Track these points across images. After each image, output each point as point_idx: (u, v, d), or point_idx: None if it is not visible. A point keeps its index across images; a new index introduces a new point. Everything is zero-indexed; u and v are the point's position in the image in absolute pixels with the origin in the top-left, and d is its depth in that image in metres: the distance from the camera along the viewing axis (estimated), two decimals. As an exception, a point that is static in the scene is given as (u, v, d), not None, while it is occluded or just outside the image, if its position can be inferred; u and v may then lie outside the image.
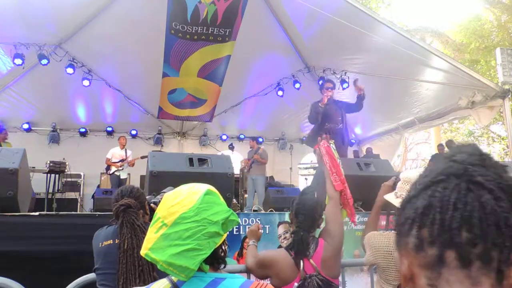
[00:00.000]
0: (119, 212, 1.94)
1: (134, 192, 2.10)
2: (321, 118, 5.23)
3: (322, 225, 2.16)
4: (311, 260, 1.92)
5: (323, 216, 2.13)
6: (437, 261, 0.50)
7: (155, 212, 1.09)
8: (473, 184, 0.51)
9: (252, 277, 2.18)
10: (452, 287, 0.50)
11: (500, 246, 0.49)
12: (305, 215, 2.01)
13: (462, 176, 0.52)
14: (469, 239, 0.49)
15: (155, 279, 1.32)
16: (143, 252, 1.05)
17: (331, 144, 2.33)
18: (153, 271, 1.79)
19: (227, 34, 6.36)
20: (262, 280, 2.12)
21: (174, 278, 1.06)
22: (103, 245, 1.99)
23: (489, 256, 0.48)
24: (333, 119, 5.28)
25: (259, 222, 3.51)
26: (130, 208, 1.94)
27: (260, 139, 9.90)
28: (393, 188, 2.22)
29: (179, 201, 1.05)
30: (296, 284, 1.88)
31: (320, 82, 8.16)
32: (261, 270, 1.99)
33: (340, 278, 2.95)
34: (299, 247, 1.94)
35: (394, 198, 2.03)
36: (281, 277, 1.89)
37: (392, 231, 2.20)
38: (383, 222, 2.85)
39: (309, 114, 5.47)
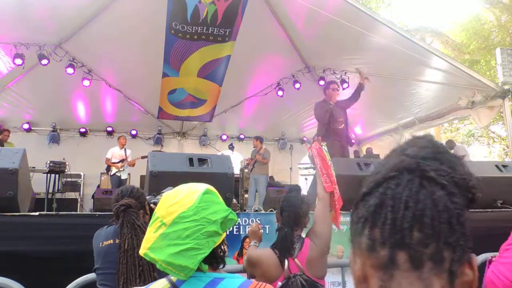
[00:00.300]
0: (119, 212, 1.94)
1: (134, 192, 2.10)
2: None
3: (310, 225, 2.15)
4: (296, 260, 1.91)
5: (309, 215, 2.11)
6: (389, 263, 0.48)
7: (154, 212, 1.09)
8: (425, 180, 0.49)
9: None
10: None
11: (453, 245, 0.47)
12: (289, 212, 2.01)
13: (414, 171, 0.49)
14: (420, 239, 0.47)
15: (155, 279, 1.32)
16: (142, 251, 1.05)
17: (323, 146, 2.35)
18: (153, 271, 1.79)
19: (227, 34, 6.36)
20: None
21: (173, 278, 1.06)
22: (103, 245, 1.99)
23: (441, 256, 0.47)
24: (337, 120, 5.35)
25: (259, 221, 3.51)
26: (131, 208, 1.94)
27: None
28: None
29: (178, 201, 1.05)
30: (279, 283, 1.87)
31: (322, 82, 8.18)
32: (250, 269, 1.99)
33: (340, 278, 2.96)
34: (283, 244, 1.93)
35: None
36: (266, 276, 1.88)
37: None
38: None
39: (316, 113, 5.47)
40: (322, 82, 8.20)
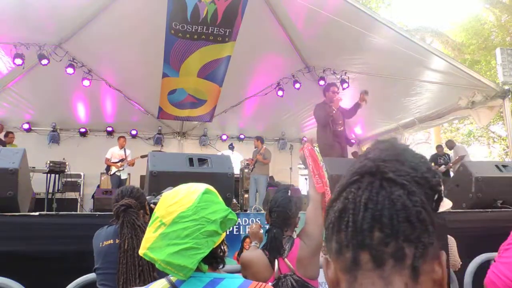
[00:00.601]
0: (119, 212, 1.94)
1: (135, 192, 2.10)
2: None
3: (300, 226, 2.14)
4: (286, 260, 1.91)
5: (299, 216, 2.11)
6: (352, 264, 0.49)
7: (154, 212, 1.09)
8: (385, 181, 0.50)
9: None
10: None
11: (414, 242, 0.48)
12: (277, 212, 2.00)
13: (375, 174, 0.51)
14: (381, 238, 0.48)
15: (155, 279, 1.32)
16: (141, 251, 1.05)
17: (315, 147, 2.35)
18: (153, 271, 1.80)
19: (227, 34, 6.36)
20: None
21: (172, 278, 1.05)
22: (103, 245, 1.99)
23: (402, 253, 0.47)
24: (337, 122, 5.38)
25: (259, 221, 3.51)
26: (131, 208, 1.94)
27: (262, 139, 9.90)
28: None
29: (177, 200, 1.05)
30: (270, 283, 1.86)
31: (322, 82, 8.18)
32: (243, 270, 1.99)
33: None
34: (272, 245, 1.93)
35: None
36: (257, 277, 1.87)
37: None
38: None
39: (316, 114, 5.46)
40: (322, 82, 8.20)
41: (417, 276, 0.48)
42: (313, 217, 2.04)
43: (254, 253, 2.01)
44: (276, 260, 1.90)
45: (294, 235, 2.08)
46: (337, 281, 0.53)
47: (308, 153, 2.26)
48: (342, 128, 5.46)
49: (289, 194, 2.10)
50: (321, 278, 2.06)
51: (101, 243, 2.00)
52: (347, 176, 0.54)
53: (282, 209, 2.00)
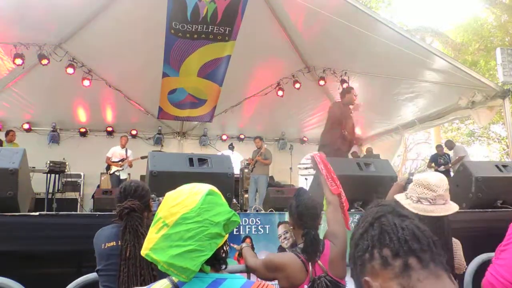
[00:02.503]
0: (122, 215, 1.91)
1: (139, 191, 2.04)
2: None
3: (323, 227, 2.17)
4: (319, 262, 1.94)
5: (323, 217, 2.14)
6: (405, 268, 0.65)
7: (156, 212, 1.08)
8: (402, 216, 0.73)
9: (253, 277, 2.18)
10: (423, 282, 0.64)
11: (439, 254, 0.68)
12: (309, 215, 2.01)
13: (392, 212, 0.74)
14: (420, 248, 0.67)
15: None
16: (143, 252, 1.04)
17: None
18: (154, 280, 1.77)
19: (227, 33, 6.35)
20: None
21: (174, 279, 1.05)
22: (105, 247, 1.95)
23: (439, 259, 0.66)
24: (348, 126, 5.33)
25: (259, 222, 3.51)
26: (134, 212, 1.91)
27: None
28: (404, 188, 2.24)
29: (181, 201, 1.04)
30: (305, 286, 1.89)
31: (322, 82, 8.16)
32: (269, 273, 1.99)
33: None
34: (312, 247, 1.94)
35: (404, 199, 2.04)
36: (291, 280, 1.90)
37: None
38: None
39: (332, 112, 5.28)
40: (322, 82, 8.20)
41: (450, 275, 0.67)
42: (334, 218, 2.12)
43: (286, 256, 2.01)
44: (309, 263, 1.93)
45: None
46: None
47: (319, 159, 2.33)
48: (349, 136, 5.30)
49: (310, 196, 2.14)
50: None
51: (103, 245, 1.96)
52: (368, 217, 0.76)
53: (314, 211, 2.03)
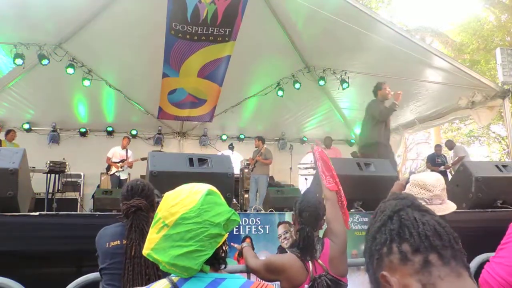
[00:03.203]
0: (129, 214, 1.90)
1: (146, 191, 2.04)
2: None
3: (324, 227, 2.17)
4: (319, 261, 1.94)
5: (324, 218, 2.14)
6: (425, 264, 0.63)
7: (156, 212, 1.08)
8: (422, 211, 0.70)
9: (252, 277, 2.18)
10: (444, 280, 0.62)
11: (458, 249, 0.66)
12: (309, 211, 2.01)
13: (411, 206, 0.71)
14: (442, 245, 0.64)
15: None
16: (145, 252, 1.04)
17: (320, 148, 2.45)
18: (159, 279, 1.77)
19: (227, 34, 6.35)
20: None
21: (174, 278, 1.05)
22: (110, 246, 1.94)
23: (460, 256, 0.65)
24: (389, 121, 5.31)
25: (259, 222, 3.51)
26: (141, 210, 1.91)
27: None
28: (404, 188, 2.24)
29: (180, 201, 1.04)
30: (306, 286, 1.89)
31: (322, 82, 8.15)
32: (270, 274, 1.99)
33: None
34: (305, 244, 1.93)
35: None
36: (292, 281, 1.90)
37: None
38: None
39: (374, 109, 5.17)
40: (322, 82, 8.20)
41: (471, 274, 0.65)
42: (333, 215, 2.13)
43: (286, 257, 2.00)
44: (309, 261, 1.92)
45: (320, 235, 2.11)
46: (405, 286, 0.64)
47: (318, 156, 2.32)
48: (389, 132, 5.32)
49: (317, 196, 2.14)
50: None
51: (107, 244, 1.95)
52: (387, 210, 0.73)
53: (314, 209, 2.02)
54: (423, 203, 1.90)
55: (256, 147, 8.40)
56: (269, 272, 1.99)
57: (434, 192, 1.93)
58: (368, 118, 5.29)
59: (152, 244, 1.02)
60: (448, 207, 1.95)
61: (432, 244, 0.64)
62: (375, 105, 5.24)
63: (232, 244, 2.81)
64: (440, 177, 2.02)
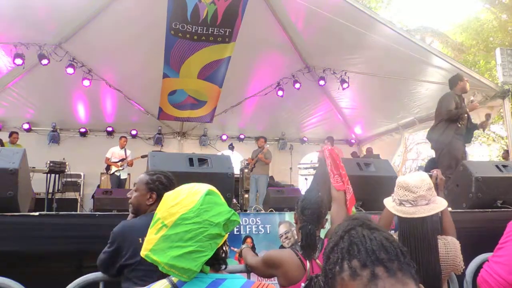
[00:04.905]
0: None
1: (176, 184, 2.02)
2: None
3: (327, 226, 2.16)
4: (317, 260, 1.92)
5: (327, 217, 2.12)
6: (372, 277, 0.65)
7: (155, 212, 1.08)
8: (372, 229, 0.74)
9: (253, 277, 2.18)
10: None
11: (407, 264, 0.69)
12: (311, 209, 2.00)
13: (362, 225, 0.76)
14: (388, 258, 0.67)
15: None
16: (143, 253, 1.04)
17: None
18: None
19: (227, 34, 6.35)
20: (265, 280, 2.12)
21: (174, 279, 1.05)
22: (143, 241, 1.92)
23: (407, 268, 0.68)
24: (464, 116, 4.83)
25: (260, 222, 3.51)
26: None
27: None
28: (436, 179, 2.22)
29: (179, 201, 1.03)
30: (303, 284, 1.88)
31: (322, 82, 8.15)
32: (268, 269, 1.98)
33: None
34: (307, 241, 1.92)
35: (391, 202, 2.03)
36: (289, 277, 1.89)
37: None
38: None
39: (445, 105, 4.78)
40: (322, 82, 8.20)
41: (418, 284, 0.68)
42: (338, 215, 2.12)
43: (284, 252, 2.00)
44: (307, 261, 1.91)
45: (321, 235, 2.09)
46: None
47: (328, 154, 2.30)
48: (463, 127, 4.85)
49: (319, 194, 2.12)
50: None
51: (140, 239, 1.86)
52: (339, 231, 0.77)
53: (316, 207, 2.01)
54: (409, 205, 1.89)
55: (259, 147, 8.40)
56: (266, 266, 1.99)
57: (418, 193, 1.88)
58: (439, 114, 4.92)
59: (151, 245, 1.02)
60: (434, 207, 1.88)
61: (378, 257, 0.67)
62: (447, 99, 4.74)
63: (232, 248, 2.80)
64: (425, 176, 1.96)
